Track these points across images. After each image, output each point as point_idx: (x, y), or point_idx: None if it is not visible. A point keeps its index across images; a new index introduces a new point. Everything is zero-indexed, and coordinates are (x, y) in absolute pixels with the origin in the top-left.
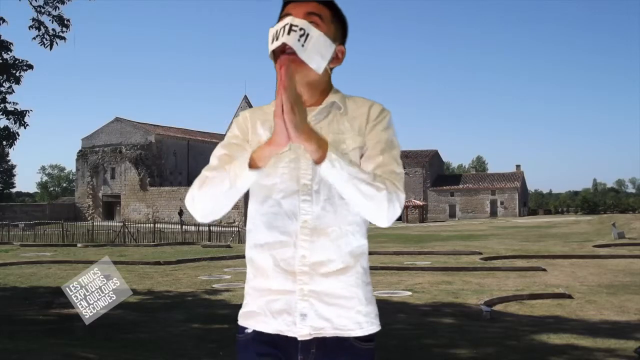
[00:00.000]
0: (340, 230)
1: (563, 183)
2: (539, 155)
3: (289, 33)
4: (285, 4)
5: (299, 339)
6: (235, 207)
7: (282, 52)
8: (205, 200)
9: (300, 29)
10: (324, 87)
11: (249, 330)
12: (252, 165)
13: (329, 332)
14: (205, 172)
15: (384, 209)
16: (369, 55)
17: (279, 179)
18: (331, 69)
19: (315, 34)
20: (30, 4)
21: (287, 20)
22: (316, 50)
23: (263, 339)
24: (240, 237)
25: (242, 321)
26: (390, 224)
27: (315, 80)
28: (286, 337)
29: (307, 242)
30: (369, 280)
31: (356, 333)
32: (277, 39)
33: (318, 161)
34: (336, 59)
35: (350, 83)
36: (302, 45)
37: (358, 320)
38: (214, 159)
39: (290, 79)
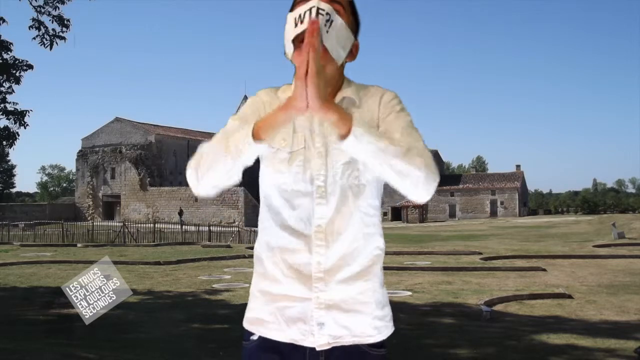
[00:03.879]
0: (357, 233)
1: (563, 183)
2: (539, 155)
3: (317, 15)
4: None
5: (317, 348)
6: (235, 207)
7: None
8: (207, 178)
9: (327, 13)
10: (338, 82)
11: (255, 337)
12: (257, 136)
13: (347, 340)
14: (204, 146)
15: (420, 185)
16: (368, 56)
17: (292, 179)
18: (345, 62)
19: (339, 21)
20: (30, 4)
21: (313, 2)
22: (338, 40)
23: (268, 345)
24: (240, 237)
25: (249, 326)
26: (427, 199)
27: (332, 72)
28: (296, 346)
29: (322, 247)
30: (383, 282)
31: (375, 339)
32: (301, 22)
33: (342, 136)
34: (351, 54)
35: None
36: (327, 32)
37: (376, 325)
38: (219, 133)
39: (319, 44)
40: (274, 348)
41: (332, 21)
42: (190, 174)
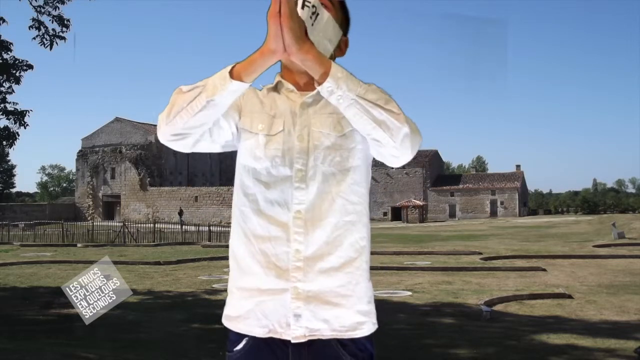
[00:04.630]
0: (339, 221)
1: (563, 183)
2: (539, 155)
3: (302, 7)
4: None
5: (293, 341)
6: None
7: None
8: (177, 117)
9: (313, 5)
10: None
11: (239, 347)
12: (235, 76)
13: (326, 334)
14: (180, 87)
15: (400, 139)
16: (368, 55)
17: (270, 163)
18: (334, 59)
19: (326, 15)
20: (30, 4)
21: None
22: (324, 33)
23: (252, 354)
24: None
25: (229, 324)
26: (407, 160)
27: None
28: (273, 347)
29: (301, 234)
30: (369, 277)
31: (356, 334)
32: None
33: (320, 78)
34: (339, 50)
35: None
36: (312, 25)
37: (358, 320)
38: None
39: None
40: (258, 357)
41: (317, 14)
42: (162, 113)
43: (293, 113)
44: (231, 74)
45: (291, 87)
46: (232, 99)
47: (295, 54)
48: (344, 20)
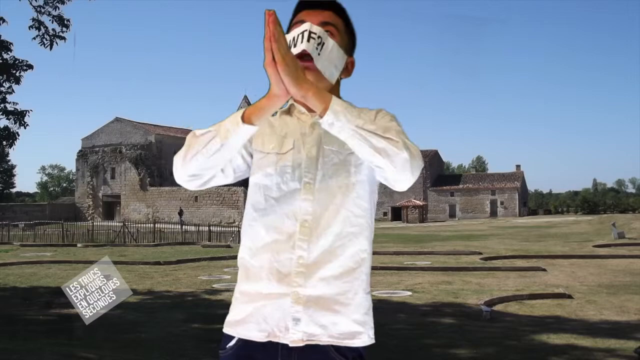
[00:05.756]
0: (342, 231)
1: (563, 183)
2: (539, 155)
3: (308, 40)
4: (298, 10)
5: (290, 345)
6: (235, 207)
7: (299, 58)
8: (193, 160)
9: (318, 37)
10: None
11: (231, 344)
12: (245, 119)
13: (323, 339)
14: (194, 132)
15: (400, 164)
16: (368, 55)
17: (281, 179)
18: (340, 79)
19: (330, 43)
20: (30, 4)
21: (305, 26)
22: (330, 60)
23: (242, 353)
24: (240, 237)
25: (228, 329)
26: (409, 184)
27: (327, 89)
28: (266, 351)
29: (305, 242)
30: (369, 289)
31: (353, 343)
32: (294, 46)
33: (321, 114)
34: (346, 71)
35: (350, 83)
36: (318, 54)
37: (355, 329)
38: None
39: (280, 33)
40: (249, 356)
41: (323, 43)
42: (178, 156)
43: (303, 133)
44: (242, 119)
45: (302, 109)
46: (243, 141)
47: (296, 94)
48: (350, 43)
